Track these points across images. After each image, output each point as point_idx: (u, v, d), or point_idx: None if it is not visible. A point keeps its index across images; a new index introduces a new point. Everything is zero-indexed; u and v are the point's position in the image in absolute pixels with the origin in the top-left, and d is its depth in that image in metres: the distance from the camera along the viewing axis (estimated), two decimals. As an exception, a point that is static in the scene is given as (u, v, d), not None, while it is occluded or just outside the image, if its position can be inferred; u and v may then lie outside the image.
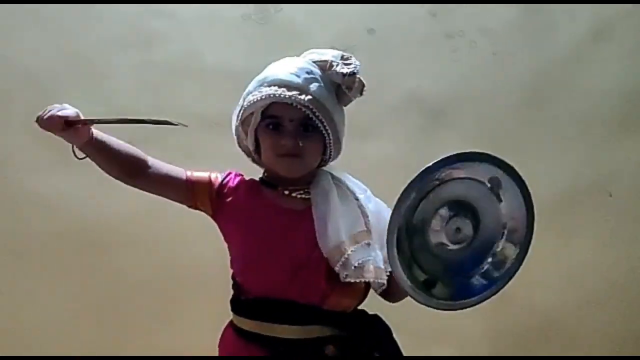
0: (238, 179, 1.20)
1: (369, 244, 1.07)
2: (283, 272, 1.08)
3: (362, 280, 1.05)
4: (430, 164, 0.88)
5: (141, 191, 1.86)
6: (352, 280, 1.04)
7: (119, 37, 1.91)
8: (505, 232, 0.98)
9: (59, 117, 0.99)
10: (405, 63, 2.00)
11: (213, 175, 1.19)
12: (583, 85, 2.03)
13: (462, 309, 1.00)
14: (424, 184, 0.91)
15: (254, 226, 1.12)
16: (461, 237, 0.97)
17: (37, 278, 1.87)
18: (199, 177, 1.18)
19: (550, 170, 2.01)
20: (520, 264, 0.97)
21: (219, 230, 1.19)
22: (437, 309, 0.98)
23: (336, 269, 1.04)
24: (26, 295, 1.88)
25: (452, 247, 0.98)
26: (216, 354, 1.20)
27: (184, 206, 1.23)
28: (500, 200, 0.96)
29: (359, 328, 1.11)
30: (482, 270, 1.00)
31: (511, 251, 0.98)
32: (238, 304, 1.14)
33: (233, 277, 1.16)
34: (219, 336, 1.20)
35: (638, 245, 2.02)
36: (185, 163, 1.87)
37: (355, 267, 1.04)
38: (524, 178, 0.94)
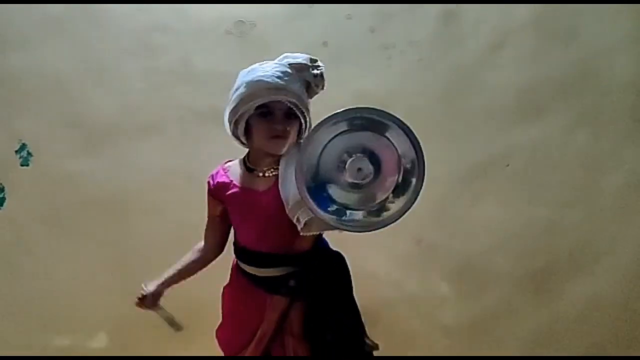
0: (218, 176, 1.41)
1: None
2: (255, 232, 1.36)
3: (311, 233, 1.28)
4: (329, 114, 1.04)
5: (148, 167, 2.06)
6: (305, 234, 1.27)
7: (129, 48, 2.18)
8: (402, 167, 1.11)
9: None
10: (352, 69, 2.21)
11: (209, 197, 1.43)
12: (486, 84, 2.23)
13: (377, 229, 1.12)
14: (325, 132, 1.06)
15: (237, 205, 1.39)
16: (363, 174, 1.10)
17: (67, 240, 2.13)
18: (211, 208, 1.44)
19: (462, 148, 2.22)
20: (421, 186, 1.09)
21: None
22: (352, 231, 1.13)
23: (298, 227, 1.27)
24: (58, 255, 2.12)
25: (360, 182, 1.11)
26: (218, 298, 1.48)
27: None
28: (395, 146, 1.10)
29: (315, 265, 1.34)
30: (391, 197, 1.13)
31: (411, 179, 1.11)
32: (235, 250, 1.45)
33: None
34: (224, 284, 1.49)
35: (530, 204, 2.23)
36: (183, 146, 2.14)
37: (303, 225, 1.25)
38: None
